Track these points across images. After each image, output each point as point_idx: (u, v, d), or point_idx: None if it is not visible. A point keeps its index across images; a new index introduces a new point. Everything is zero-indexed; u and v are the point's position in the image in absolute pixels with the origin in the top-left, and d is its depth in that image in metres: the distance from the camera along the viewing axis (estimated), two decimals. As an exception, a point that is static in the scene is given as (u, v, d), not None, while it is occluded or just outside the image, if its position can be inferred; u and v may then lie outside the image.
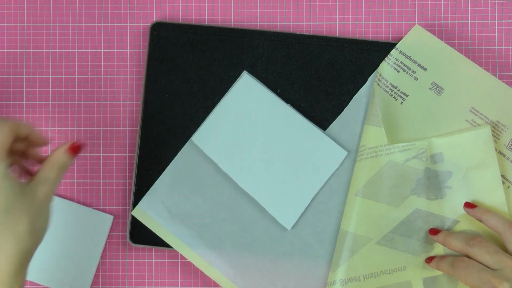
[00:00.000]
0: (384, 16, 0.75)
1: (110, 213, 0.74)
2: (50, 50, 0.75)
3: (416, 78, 0.72)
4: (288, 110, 0.72)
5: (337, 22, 0.75)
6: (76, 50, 0.75)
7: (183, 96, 0.73)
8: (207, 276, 0.73)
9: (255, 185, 0.72)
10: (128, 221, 0.73)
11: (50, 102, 0.74)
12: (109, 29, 0.75)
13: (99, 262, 0.73)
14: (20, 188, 0.59)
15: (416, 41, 0.72)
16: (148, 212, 0.72)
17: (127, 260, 0.74)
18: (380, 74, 0.72)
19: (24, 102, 0.74)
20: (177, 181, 0.72)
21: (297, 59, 0.73)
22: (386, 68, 0.72)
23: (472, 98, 0.71)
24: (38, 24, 0.75)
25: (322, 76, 0.73)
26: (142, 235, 0.73)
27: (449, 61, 0.72)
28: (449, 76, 0.72)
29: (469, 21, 0.75)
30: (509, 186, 0.71)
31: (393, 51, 0.72)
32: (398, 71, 0.72)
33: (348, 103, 0.73)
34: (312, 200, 0.72)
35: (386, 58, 0.72)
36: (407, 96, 0.72)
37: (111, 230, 0.74)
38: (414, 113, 0.72)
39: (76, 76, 0.75)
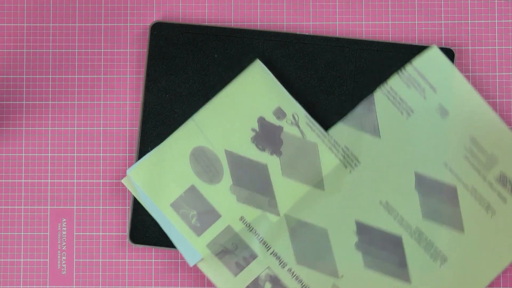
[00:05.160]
0: (384, 16, 0.75)
1: (110, 213, 0.74)
2: (50, 50, 0.75)
3: (424, 97, 0.72)
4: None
5: (337, 22, 0.75)
6: (76, 50, 0.75)
7: (183, 96, 0.73)
8: (207, 276, 0.73)
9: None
10: (128, 221, 0.73)
11: (50, 102, 0.74)
12: (109, 29, 0.75)
13: (99, 262, 0.74)
14: None
15: (431, 62, 0.73)
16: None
17: (127, 260, 0.74)
18: (391, 87, 0.72)
19: (24, 102, 0.74)
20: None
21: (297, 59, 0.74)
22: (397, 81, 0.72)
23: (473, 128, 0.72)
24: (38, 24, 0.75)
25: (322, 76, 0.73)
26: (142, 235, 0.73)
27: (458, 87, 0.72)
28: (456, 102, 0.72)
29: (469, 21, 0.75)
30: (492, 215, 0.72)
31: (407, 66, 0.73)
32: (409, 87, 0.72)
33: (348, 103, 0.73)
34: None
35: (399, 71, 0.73)
36: (413, 112, 0.72)
37: (110, 230, 0.74)
38: (417, 130, 0.72)
39: (76, 76, 0.75)
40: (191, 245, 0.71)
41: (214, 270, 0.71)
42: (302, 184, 0.72)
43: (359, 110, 0.72)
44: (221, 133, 0.72)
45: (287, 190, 0.72)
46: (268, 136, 0.72)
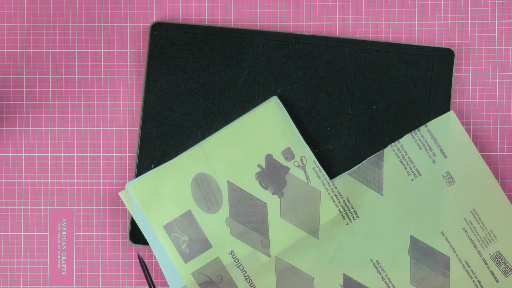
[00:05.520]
0: (384, 16, 0.75)
1: (110, 213, 0.74)
2: (50, 50, 0.75)
3: (434, 161, 0.72)
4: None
5: (337, 22, 0.75)
6: (76, 50, 0.75)
7: (183, 96, 0.73)
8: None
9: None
10: (128, 221, 0.73)
11: (50, 102, 0.74)
12: (109, 29, 0.75)
13: (99, 262, 0.74)
14: None
15: (446, 126, 0.73)
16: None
17: (127, 260, 0.74)
18: (402, 145, 0.72)
19: (24, 102, 0.74)
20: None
21: (297, 59, 0.73)
22: (409, 141, 0.72)
23: (477, 201, 0.72)
24: (38, 24, 0.75)
25: (322, 76, 0.73)
26: (142, 235, 0.73)
27: (468, 158, 0.72)
28: (464, 172, 0.72)
29: (469, 21, 0.75)
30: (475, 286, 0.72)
31: (422, 128, 0.72)
32: (420, 148, 0.72)
33: (348, 103, 0.73)
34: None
35: (413, 132, 0.72)
36: (420, 175, 0.72)
37: (110, 230, 0.74)
38: (420, 193, 0.72)
39: (76, 76, 0.75)
40: (177, 270, 0.71)
41: None
42: (298, 229, 0.71)
43: (367, 163, 0.72)
44: (226, 164, 0.71)
45: (282, 233, 0.71)
46: (273, 174, 0.71)
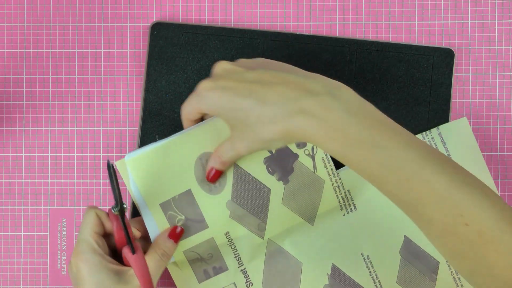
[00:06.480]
0: (384, 16, 0.75)
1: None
2: (50, 50, 0.75)
3: None
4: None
5: (337, 22, 0.75)
6: (76, 50, 0.75)
7: (183, 96, 0.73)
8: (172, 277, 0.72)
9: None
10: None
11: (50, 102, 0.74)
12: (109, 29, 0.75)
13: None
14: (117, 278, 0.62)
15: (457, 132, 0.73)
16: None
17: (127, 260, 0.74)
18: None
19: (24, 102, 0.74)
20: None
21: (297, 59, 0.73)
22: None
23: None
24: (38, 24, 0.75)
25: (322, 76, 0.73)
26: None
27: (474, 166, 0.72)
28: None
29: (469, 21, 0.75)
30: None
31: (433, 130, 0.72)
32: None
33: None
34: None
35: (423, 133, 0.72)
36: None
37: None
38: None
39: (76, 76, 0.75)
40: None
41: (180, 273, 0.70)
42: (296, 215, 0.70)
43: None
44: None
45: (280, 218, 0.70)
46: (282, 160, 0.70)
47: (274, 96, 0.60)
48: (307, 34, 0.74)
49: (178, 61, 0.74)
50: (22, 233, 0.74)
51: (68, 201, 0.74)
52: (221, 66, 0.64)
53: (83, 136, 0.74)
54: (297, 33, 0.74)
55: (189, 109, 0.64)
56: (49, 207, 0.74)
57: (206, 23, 0.75)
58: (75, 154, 0.74)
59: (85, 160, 0.74)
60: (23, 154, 0.74)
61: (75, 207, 0.74)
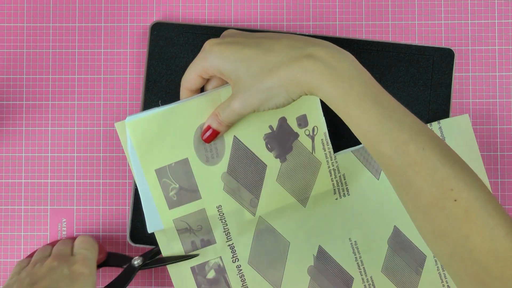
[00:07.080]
0: (384, 16, 0.75)
1: (110, 213, 0.74)
2: (50, 50, 0.75)
3: None
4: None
5: (337, 22, 0.75)
6: (76, 50, 0.75)
7: (183, 96, 0.73)
8: (159, 244, 0.72)
9: None
10: (128, 221, 0.73)
11: (50, 102, 0.74)
12: (109, 29, 0.75)
13: (99, 262, 0.74)
14: None
15: (458, 128, 0.73)
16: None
17: (127, 260, 0.74)
18: None
19: (24, 102, 0.74)
20: None
21: (297, 59, 0.73)
22: None
23: None
24: (38, 24, 0.75)
25: (322, 76, 0.73)
26: (142, 235, 0.73)
27: (471, 163, 0.72)
28: None
29: (469, 21, 0.75)
30: None
31: (434, 123, 0.73)
32: None
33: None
34: None
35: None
36: None
37: (110, 230, 0.74)
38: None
39: (76, 76, 0.75)
40: (159, 215, 0.70)
41: (167, 242, 0.70)
42: (289, 195, 0.71)
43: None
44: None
45: (273, 196, 0.70)
46: (282, 138, 0.70)
47: (281, 46, 0.61)
48: (307, 34, 0.74)
49: (178, 61, 0.74)
50: (22, 233, 0.74)
51: (68, 201, 0.74)
52: (229, 31, 0.66)
53: (83, 136, 0.74)
54: (297, 33, 0.74)
55: (191, 75, 0.65)
56: (49, 207, 0.74)
57: (206, 23, 0.75)
58: (75, 154, 0.74)
59: (85, 160, 0.74)
60: (23, 154, 0.74)
61: (75, 207, 0.74)
